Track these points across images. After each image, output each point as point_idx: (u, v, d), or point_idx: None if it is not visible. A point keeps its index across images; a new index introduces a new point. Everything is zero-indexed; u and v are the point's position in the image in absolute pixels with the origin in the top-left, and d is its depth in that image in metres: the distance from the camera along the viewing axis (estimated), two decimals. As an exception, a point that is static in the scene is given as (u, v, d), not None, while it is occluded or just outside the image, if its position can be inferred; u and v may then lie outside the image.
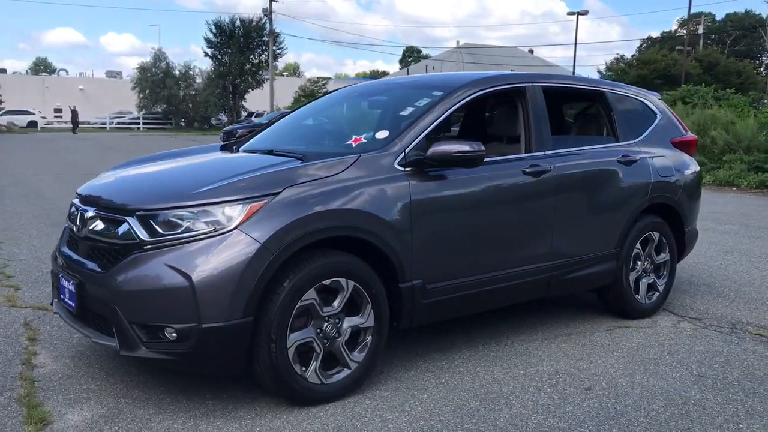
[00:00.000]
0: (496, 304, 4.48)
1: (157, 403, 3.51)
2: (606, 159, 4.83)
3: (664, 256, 5.23)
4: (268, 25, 50.25)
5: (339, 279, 3.49)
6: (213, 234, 3.22)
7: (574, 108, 6.03)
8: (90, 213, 3.60)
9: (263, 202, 3.32)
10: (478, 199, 4.08)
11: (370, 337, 3.66)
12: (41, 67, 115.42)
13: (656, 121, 5.38)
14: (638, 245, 5.01)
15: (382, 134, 4.04)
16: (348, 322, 3.58)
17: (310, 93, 51.77)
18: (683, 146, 5.48)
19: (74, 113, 48.24)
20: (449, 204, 3.93)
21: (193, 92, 57.58)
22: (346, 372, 3.59)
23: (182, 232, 3.25)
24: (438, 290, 3.91)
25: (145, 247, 3.27)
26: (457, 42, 70.31)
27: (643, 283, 5.11)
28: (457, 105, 4.20)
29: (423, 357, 4.24)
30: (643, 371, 4.08)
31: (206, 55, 54.60)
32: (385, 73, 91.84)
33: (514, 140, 4.67)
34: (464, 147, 3.80)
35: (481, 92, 4.35)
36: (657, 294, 5.21)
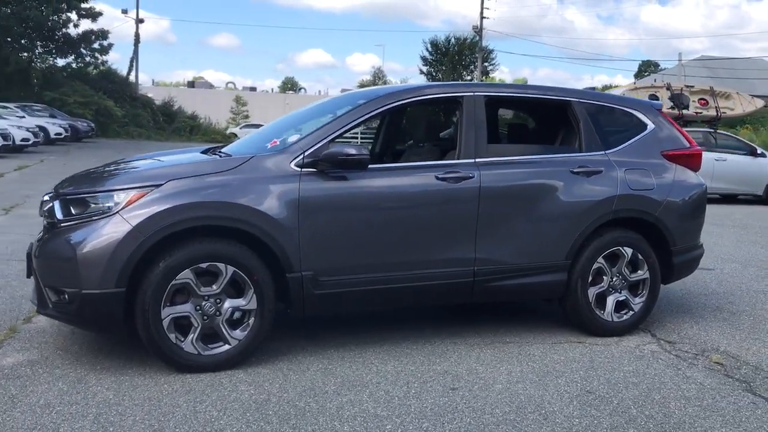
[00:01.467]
0: (405, 303, 4.65)
1: (80, 358, 4.21)
2: (554, 169, 4.77)
3: (641, 274, 4.98)
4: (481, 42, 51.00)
5: (217, 264, 3.96)
6: (102, 216, 3.86)
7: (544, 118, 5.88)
8: (46, 197, 4.42)
9: (145, 191, 3.89)
10: (376, 201, 4.31)
11: (252, 319, 4.07)
12: (288, 85, 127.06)
13: (644, 133, 5.14)
14: (602, 260, 4.85)
15: (292, 138, 4.45)
16: (229, 303, 4.03)
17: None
18: (679, 159, 5.17)
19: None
20: (344, 204, 4.23)
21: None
22: (226, 347, 4.04)
23: (84, 214, 3.92)
24: (332, 283, 4.21)
25: (60, 225, 3.99)
26: (679, 55, 65.69)
27: (611, 300, 4.92)
28: (370, 114, 4.49)
29: (327, 346, 4.52)
30: (531, 381, 4.04)
31: (422, 72, 56.83)
32: (617, 86, 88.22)
33: (448, 148, 4.81)
34: (350, 151, 4.11)
35: (398, 103, 4.59)
36: (631, 313, 4.97)
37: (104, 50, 39.70)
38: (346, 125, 4.38)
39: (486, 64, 52.46)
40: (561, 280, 4.77)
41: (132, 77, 45.96)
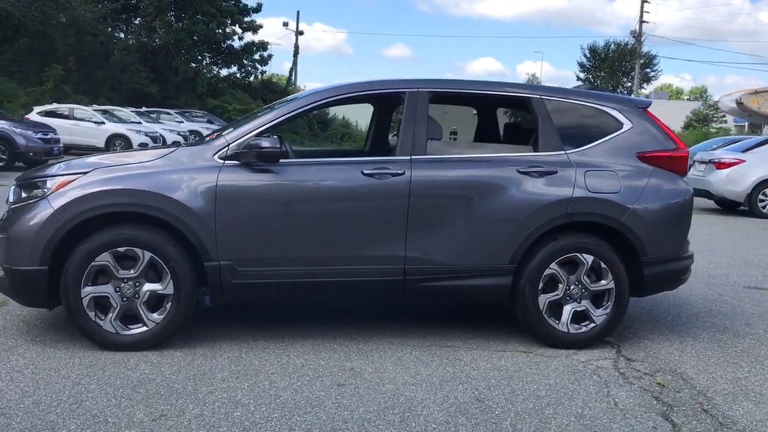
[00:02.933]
0: (331, 298, 4.64)
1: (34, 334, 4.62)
2: (498, 169, 4.55)
3: (605, 284, 4.62)
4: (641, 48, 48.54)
5: (135, 249, 4.19)
6: (37, 200, 4.22)
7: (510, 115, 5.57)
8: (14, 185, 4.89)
9: (72, 179, 4.21)
10: (294, 195, 4.35)
11: (169, 303, 4.27)
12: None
13: (618, 133, 4.77)
14: (556, 266, 4.56)
15: (227, 130, 4.60)
16: (148, 287, 4.25)
17: (703, 117, 48.81)
18: (658, 161, 4.74)
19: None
20: (261, 196, 4.31)
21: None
22: (143, 329, 4.26)
23: (28, 198, 4.32)
24: (250, 273, 4.31)
25: (11, 208, 4.42)
26: None
27: (568, 310, 4.61)
28: (301, 109, 4.54)
29: (257, 335, 4.61)
30: (429, 385, 3.90)
31: (578, 79, 55.04)
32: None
33: (387, 144, 4.76)
34: (263, 144, 4.20)
35: (332, 99, 4.60)
36: (592, 325, 4.63)
37: (264, 61, 42.20)
38: (276, 119, 4.48)
39: (648, 70, 49.78)
40: (504, 285, 4.54)
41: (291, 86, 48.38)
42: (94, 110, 23.47)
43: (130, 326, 4.27)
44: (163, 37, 38.37)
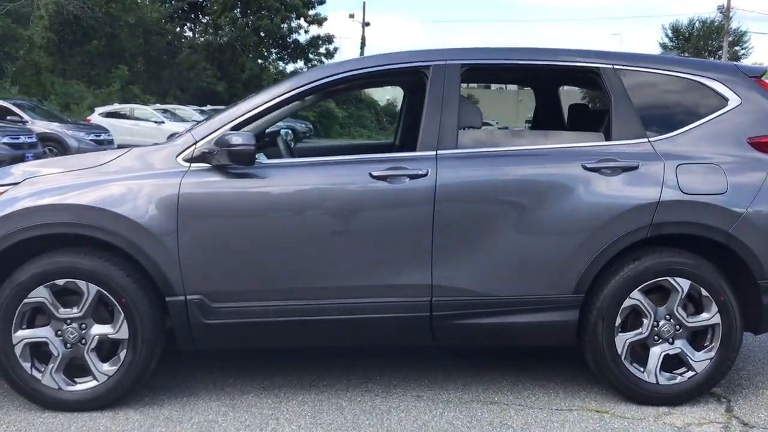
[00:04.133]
0: (332, 342, 3.54)
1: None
2: (558, 165, 3.38)
3: (707, 317, 3.39)
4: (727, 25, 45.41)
5: (77, 281, 3.23)
6: None
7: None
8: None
9: (2, 191, 3.29)
10: (283, 207, 3.31)
11: (124, 351, 3.29)
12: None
13: (721, 112, 3.50)
14: (639, 295, 3.36)
15: (199, 125, 3.58)
16: (97, 330, 3.29)
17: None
18: (781, 149, 3.46)
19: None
20: (241, 209, 3.29)
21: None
22: (92, 383, 3.31)
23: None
24: (228, 311, 3.29)
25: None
26: None
27: (656, 354, 3.40)
28: (290, 93, 3.47)
29: (236, 387, 3.59)
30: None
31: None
32: None
33: (412, 135, 3.65)
34: (234, 140, 3.17)
35: (328, 79, 3.49)
36: (691, 374, 3.41)
37: (330, 54, 41.43)
38: (255, 109, 3.44)
39: (737, 48, 46.59)
40: (568, 321, 3.37)
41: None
42: (154, 110, 23.13)
43: (76, 380, 3.31)
44: (229, 35, 38.09)
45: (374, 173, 3.28)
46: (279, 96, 3.44)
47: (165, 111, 23.60)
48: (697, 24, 49.79)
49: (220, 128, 3.35)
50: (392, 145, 5.02)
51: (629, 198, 3.32)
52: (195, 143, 3.33)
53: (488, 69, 3.88)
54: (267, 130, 4.36)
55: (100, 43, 32.83)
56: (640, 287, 3.35)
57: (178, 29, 38.92)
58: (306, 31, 41.17)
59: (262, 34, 38.94)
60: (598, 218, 3.31)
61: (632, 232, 3.31)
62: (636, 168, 3.34)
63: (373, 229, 3.31)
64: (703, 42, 49.49)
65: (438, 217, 3.26)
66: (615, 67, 3.53)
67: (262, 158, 3.69)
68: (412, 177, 3.27)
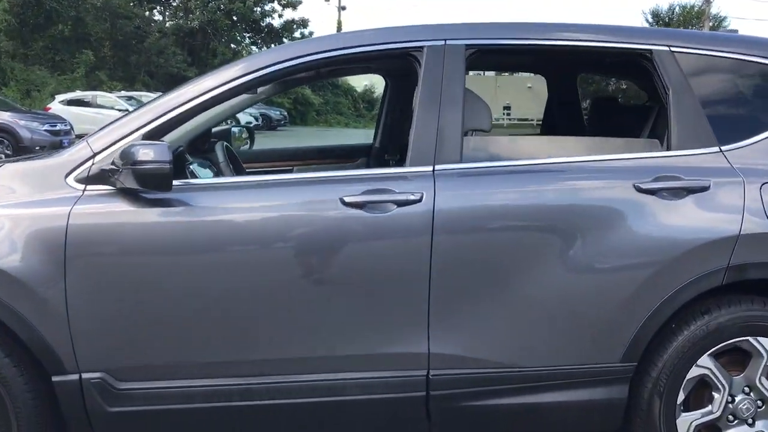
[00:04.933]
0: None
1: None
2: (599, 184, 2.46)
3: (802, 391, 2.50)
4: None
5: None
6: None
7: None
8: None
9: None
10: (222, 248, 2.36)
11: (-5, 450, 2.33)
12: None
13: (817, 109, 2.60)
14: (709, 361, 2.46)
15: (100, 132, 2.59)
16: (-46, 425, 2.31)
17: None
18: None
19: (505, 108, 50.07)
20: (157, 252, 2.33)
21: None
22: (-49, 497, 2.33)
23: None
24: (142, 395, 2.34)
25: None
26: None
27: (735, 440, 2.51)
28: (223, 88, 2.49)
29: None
30: None
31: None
32: None
33: (398, 140, 2.73)
34: (146, 154, 2.18)
35: (276, 68, 2.51)
36: (783, 469, 2.52)
37: (305, 39, 40.27)
38: (180, 106, 2.45)
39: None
40: (614, 400, 2.46)
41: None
42: (118, 97, 21.90)
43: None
44: (200, 18, 36.67)
45: (347, 198, 2.32)
46: (215, 88, 2.47)
47: (130, 98, 22.35)
48: (677, 9, 49.23)
49: (127, 135, 2.37)
50: (370, 149, 4.05)
51: (698, 231, 2.42)
52: (92, 156, 2.35)
53: (502, 51, 2.88)
54: (214, 129, 3.41)
55: (64, 26, 31.35)
56: (710, 351, 2.46)
57: (146, 12, 37.43)
58: (280, 15, 39.98)
59: (234, 17, 37.62)
60: (656, 259, 2.40)
61: (702, 278, 2.41)
62: (706, 189, 2.43)
63: (345, 277, 2.37)
64: (683, 27, 48.93)
65: (437, 259, 2.33)
66: (672, 49, 2.59)
67: (201, 171, 2.74)
68: (401, 204, 2.33)
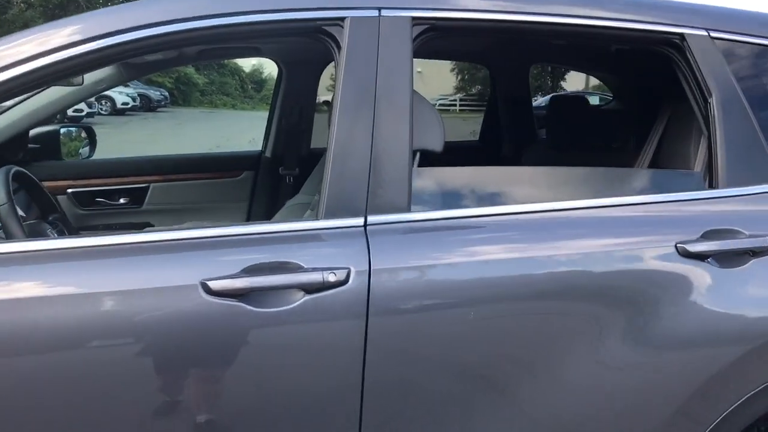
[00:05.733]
0: None
1: None
2: (621, 245, 1.57)
3: None
4: None
5: None
6: None
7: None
8: None
9: None
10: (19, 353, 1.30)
11: None
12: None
13: None
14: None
15: None
16: None
17: None
18: None
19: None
20: None
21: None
22: None
23: None
24: None
25: None
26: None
27: None
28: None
29: None
30: None
31: None
32: None
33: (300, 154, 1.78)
34: None
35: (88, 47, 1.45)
36: None
37: None
38: None
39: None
40: None
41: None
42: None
43: None
44: (71, -12, 33.91)
45: (213, 285, 1.32)
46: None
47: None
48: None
49: None
50: (259, 158, 3.00)
51: (769, 317, 1.57)
52: None
53: (467, 29, 1.84)
54: (33, 132, 2.34)
55: None
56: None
57: (9, -20, 34.24)
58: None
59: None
60: (708, 359, 1.54)
61: (775, 387, 1.57)
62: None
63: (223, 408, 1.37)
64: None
65: (374, 386, 1.37)
66: (712, 34, 1.73)
67: None
68: (311, 289, 1.35)
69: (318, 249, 1.42)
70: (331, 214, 1.44)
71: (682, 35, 1.72)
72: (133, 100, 27.44)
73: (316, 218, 1.45)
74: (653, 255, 1.54)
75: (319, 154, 2.64)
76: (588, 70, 3.24)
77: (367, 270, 1.38)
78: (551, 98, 2.89)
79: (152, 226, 2.82)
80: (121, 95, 27.04)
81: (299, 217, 2.10)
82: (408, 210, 1.48)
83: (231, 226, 1.47)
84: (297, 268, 1.36)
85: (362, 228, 1.43)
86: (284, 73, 2.88)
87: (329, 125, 1.53)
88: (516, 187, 1.71)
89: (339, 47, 1.52)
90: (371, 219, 1.45)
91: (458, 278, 1.47)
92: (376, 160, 1.47)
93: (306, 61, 2.74)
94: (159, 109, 30.45)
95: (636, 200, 1.65)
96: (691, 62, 1.71)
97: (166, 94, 32.31)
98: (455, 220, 1.51)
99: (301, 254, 1.38)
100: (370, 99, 1.49)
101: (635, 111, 2.39)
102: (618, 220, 1.60)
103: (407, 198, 1.48)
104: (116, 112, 25.69)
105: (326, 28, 1.53)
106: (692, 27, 1.73)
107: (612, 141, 2.38)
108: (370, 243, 1.41)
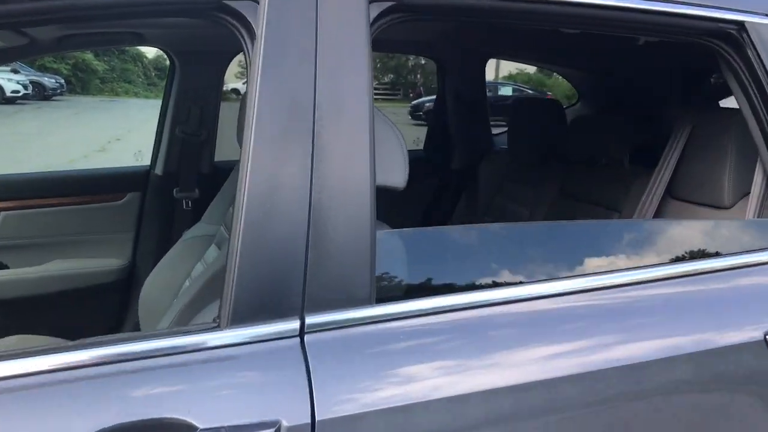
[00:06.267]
0: None
1: None
2: (689, 337, 1.04)
3: None
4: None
5: None
6: None
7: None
8: None
9: None
10: None
11: None
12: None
13: None
14: None
15: None
16: None
17: None
18: None
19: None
20: None
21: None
22: None
23: None
24: None
25: None
26: None
27: None
28: None
29: None
30: None
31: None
32: None
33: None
34: None
35: None
36: None
37: None
38: None
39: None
40: None
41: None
42: None
43: None
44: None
45: None
46: None
47: None
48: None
49: None
50: (147, 176, 2.34)
51: None
52: None
53: (444, 10, 1.22)
54: None
55: None
56: None
57: None
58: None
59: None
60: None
61: None
62: None
63: None
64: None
65: None
66: (778, 20, 1.23)
67: None
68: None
69: (218, 387, 0.82)
70: (241, 318, 0.84)
71: (741, 23, 1.20)
72: (25, 87, 25.65)
73: (218, 326, 0.84)
74: (745, 354, 1.03)
75: (226, 171, 2.02)
76: (558, 66, 2.73)
77: (309, 423, 0.79)
78: (515, 101, 2.37)
79: (5, 267, 2.14)
80: (10, 83, 25.32)
81: (195, 284, 1.46)
82: (371, 302, 0.90)
83: (57, 352, 0.82)
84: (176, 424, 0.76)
85: (297, 338, 0.85)
86: (177, 67, 2.22)
87: (240, 148, 0.93)
88: (547, 250, 1.15)
89: (251, 33, 0.92)
90: (311, 321, 0.86)
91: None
92: (318, 217, 0.88)
93: (206, 52, 2.11)
94: (54, 98, 28.60)
95: (703, 266, 1.13)
96: (751, 57, 1.21)
97: (62, 81, 30.44)
98: (454, 314, 0.94)
99: (189, 401, 0.78)
100: (306, 114, 0.90)
101: (626, 119, 1.90)
102: (692, 300, 1.07)
103: (370, 282, 0.90)
104: (5, 101, 23.97)
105: (230, 3, 0.92)
106: (753, 13, 1.22)
107: (597, 155, 1.87)
108: (311, 366, 0.83)
